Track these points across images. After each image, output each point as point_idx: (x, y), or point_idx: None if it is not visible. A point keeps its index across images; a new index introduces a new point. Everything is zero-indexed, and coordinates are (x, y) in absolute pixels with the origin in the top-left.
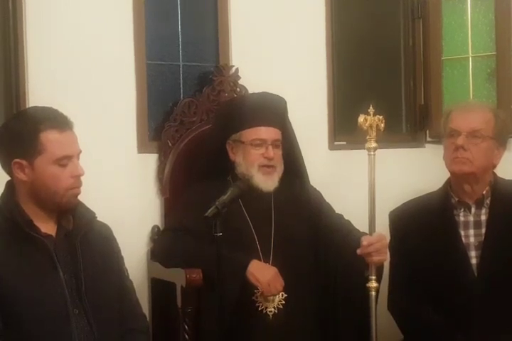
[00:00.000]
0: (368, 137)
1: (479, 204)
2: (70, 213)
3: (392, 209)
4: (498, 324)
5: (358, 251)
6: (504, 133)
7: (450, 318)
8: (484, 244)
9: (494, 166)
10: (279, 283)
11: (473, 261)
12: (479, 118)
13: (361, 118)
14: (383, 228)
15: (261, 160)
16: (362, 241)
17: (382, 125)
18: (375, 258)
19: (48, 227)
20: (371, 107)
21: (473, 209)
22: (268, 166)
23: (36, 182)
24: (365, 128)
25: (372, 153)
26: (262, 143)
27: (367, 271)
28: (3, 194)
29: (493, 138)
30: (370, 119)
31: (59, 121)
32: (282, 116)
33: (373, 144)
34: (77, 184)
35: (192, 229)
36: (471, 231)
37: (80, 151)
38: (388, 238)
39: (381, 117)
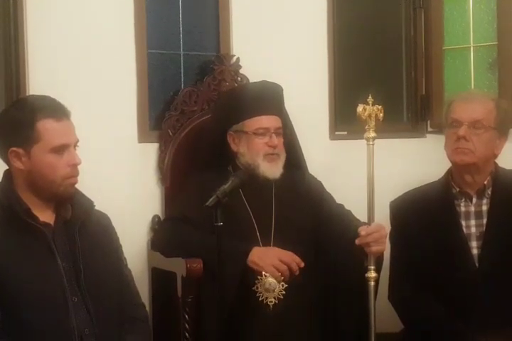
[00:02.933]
0: (366, 127)
1: (480, 195)
2: (68, 202)
3: (392, 199)
4: (498, 314)
5: (357, 241)
6: (506, 123)
7: (451, 308)
8: (485, 235)
9: (495, 156)
10: (288, 257)
11: (474, 251)
12: (481, 109)
13: (360, 108)
14: (383, 218)
15: (266, 149)
16: (360, 231)
17: (381, 115)
18: (374, 248)
19: (46, 216)
20: (370, 97)
21: (474, 200)
22: (272, 154)
23: (33, 170)
24: (364, 117)
25: (371, 142)
26: (265, 131)
27: (366, 261)
28: (1, 183)
29: (495, 128)
30: (368, 109)
31: (56, 110)
32: (281, 104)
33: (372, 134)
34: (73, 173)
35: (192, 218)
36: (472, 222)
37: (77, 140)
38: (388, 228)
39: (380, 107)
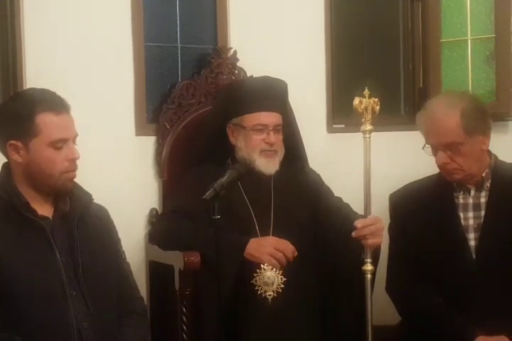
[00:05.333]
0: (363, 120)
1: (479, 187)
2: (66, 195)
3: (392, 192)
4: (496, 305)
5: (353, 234)
6: (481, 123)
7: (449, 300)
8: (483, 227)
9: (485, 151)
10: (283, 245)
11: (472, 243)
12: (446, 130)
13: (356, 101)
14: (381, 211)
15: (262, 145)
16: (356, 224)
17: (378, 107)
18: (370, 241)
19: (44, 209)
20: (366, 90)
21: (472, 192)
22: (269, 150)
23: (31, 164)
24: (360, 110)
25: (367, 135)
26: (263, 128)
27: (363, 253)
28: None
29: (469, 136)
30: (365, 102)
31: (56, 104)
32: (283, 100)
33: (368, 127)
34: (72, 167)
35: (190, 211)
36: (470, 214)
37: (77, 135)
38: (386, 220)
39: (376, 99)
